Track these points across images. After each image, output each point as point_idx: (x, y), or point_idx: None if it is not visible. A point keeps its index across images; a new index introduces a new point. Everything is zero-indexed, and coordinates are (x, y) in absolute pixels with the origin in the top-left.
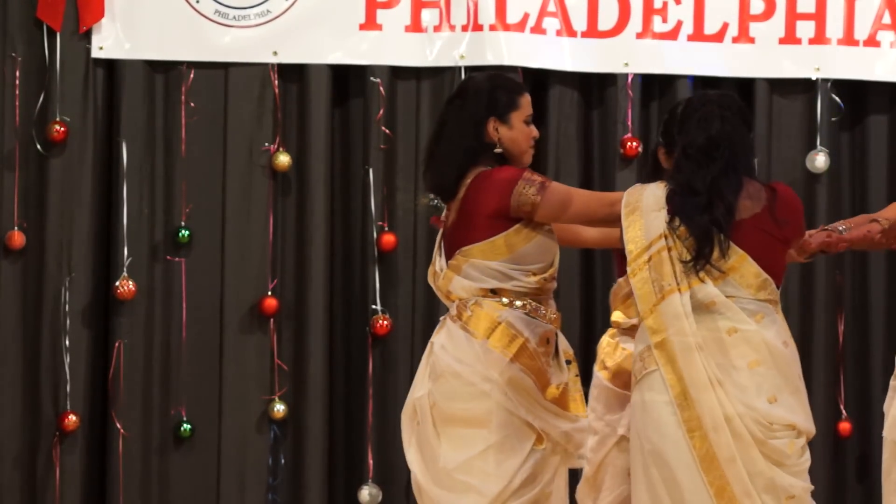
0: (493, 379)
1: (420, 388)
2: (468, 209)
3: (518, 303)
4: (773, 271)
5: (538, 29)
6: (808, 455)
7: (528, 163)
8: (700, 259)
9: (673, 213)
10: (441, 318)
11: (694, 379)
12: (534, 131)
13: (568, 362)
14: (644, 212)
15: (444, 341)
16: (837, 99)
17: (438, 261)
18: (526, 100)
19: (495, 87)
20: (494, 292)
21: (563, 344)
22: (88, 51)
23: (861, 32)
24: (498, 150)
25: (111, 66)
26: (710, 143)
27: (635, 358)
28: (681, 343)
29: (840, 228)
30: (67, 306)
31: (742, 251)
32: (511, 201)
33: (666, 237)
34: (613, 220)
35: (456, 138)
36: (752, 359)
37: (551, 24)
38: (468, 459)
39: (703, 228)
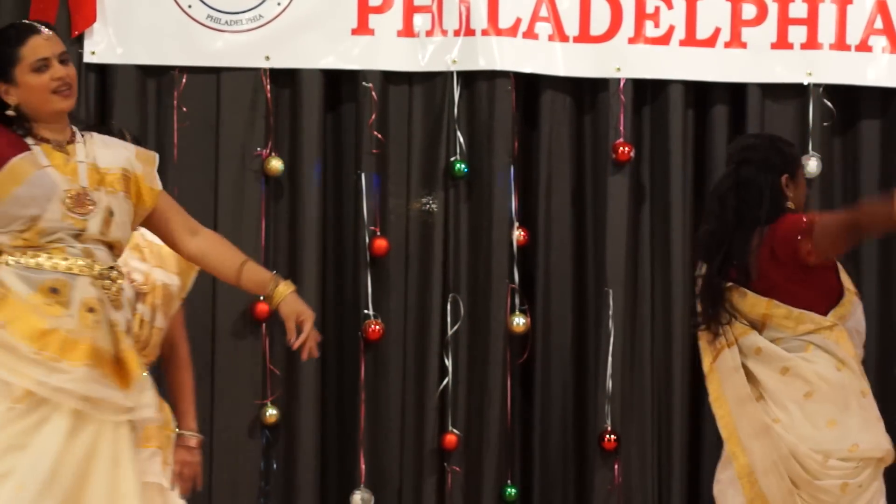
0: None
1: None
2: None
3: (12, 259)
4: (806, 301)
5: (530, 34)
6: (871, 490)
7: (65, 107)
8: (705, 323)
9: None
10: None
11: (746, 428)
12: (55, 73)
13: (91, 310)
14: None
15: None
16: (829, 104)
17: None
18: (29, 47)
19: None
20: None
21: (86, 293)
22: (80, 55)
23: (853, 37)
24: (10, 113)
25: (103, 70)
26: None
27: None
28: (734, 397)
29: None
30: None
31: (766, 298)
32: None
33: None
34: None
35: None
36: (807, 390)
37: (543, 28)
38: None
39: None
